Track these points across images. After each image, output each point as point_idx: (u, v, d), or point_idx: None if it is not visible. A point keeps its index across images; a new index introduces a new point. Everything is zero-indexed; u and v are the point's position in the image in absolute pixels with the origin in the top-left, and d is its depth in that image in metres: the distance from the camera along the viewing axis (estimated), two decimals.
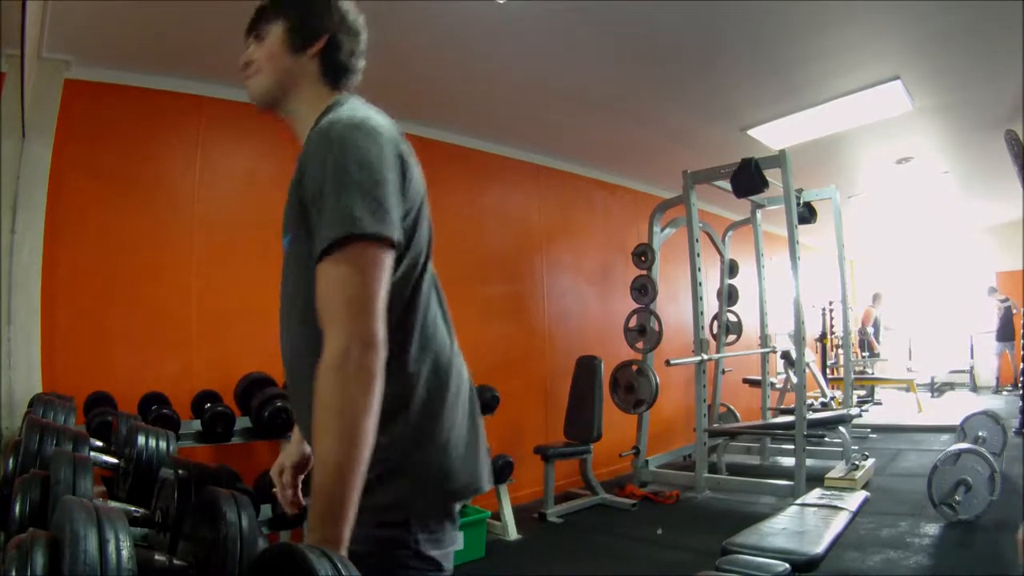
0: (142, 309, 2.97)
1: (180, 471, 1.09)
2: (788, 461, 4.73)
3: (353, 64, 1.13)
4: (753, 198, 4.92)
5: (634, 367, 4.44)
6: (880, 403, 7.93)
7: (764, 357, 5.49)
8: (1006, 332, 8.30)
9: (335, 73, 1.10)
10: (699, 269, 4.41)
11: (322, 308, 0.89)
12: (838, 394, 6.01)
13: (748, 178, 4.14)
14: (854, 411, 4.88)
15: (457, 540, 1.09)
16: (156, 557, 0.82)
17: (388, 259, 0.90)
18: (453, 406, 1.05)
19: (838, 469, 4.22)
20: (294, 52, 1.08)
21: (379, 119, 1.00)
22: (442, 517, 1.04)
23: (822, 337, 7.47)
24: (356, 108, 1.03)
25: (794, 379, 4.68)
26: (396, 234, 0.91)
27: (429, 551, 1.02)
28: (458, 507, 1.09)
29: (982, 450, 3.35)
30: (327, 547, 0.82)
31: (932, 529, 3.24)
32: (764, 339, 5.40)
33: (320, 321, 0.88)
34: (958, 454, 3.31)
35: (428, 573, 1.02)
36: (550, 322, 4.78)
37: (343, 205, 0.87)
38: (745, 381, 6.14)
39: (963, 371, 9.06)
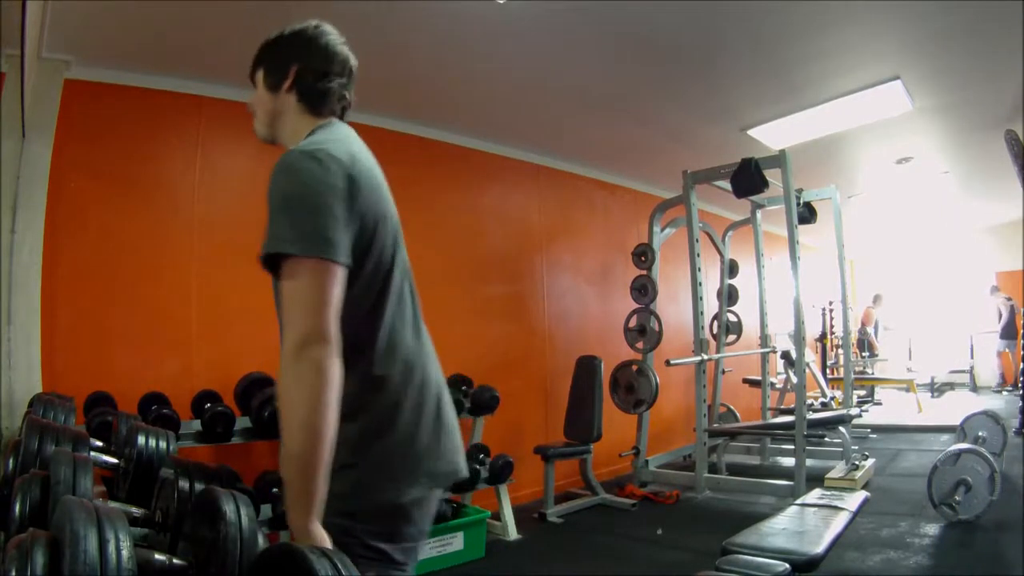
0: (142, 309, 2.97)
1: (180, 471, 1.09)
2: (788, 461, 4.73)
3: (327, 85, 1.19)
4: (753, 198, 4.92)
5: (634, 367, 4.44)
6: (880, 403, 7.93)
7: (764, 357, 5.49)
8: (1010, 330, 8.31)
9: (310, 99, 1.18)
10: (699, 269, 4.41)
11: (281, 319, 0.99)
12: (838, 394, 6.01)
13: (748, 178, 4.14)
14: (854, 411, 4.87)
15: (418, 537, 1.13)
16: (156, 557, 0.82)
17: (335, 271, 0.99)
18: (415, 409, 1.11)
19: (838, 469, 4.22)
20: (274, 91, 1.19)
21: (336, 146, 1.07)
22: (393, 513, 1.08)
23: (822, 337, 7.47)
24: (323, 136, 1.12)
25: (794, 379, 4.68)
26: (331, 253, 0.98)
27: (378, 543, 1.07)
28: (422, 506, 1.12)
29: (982, 450, 3.35)
30: (298, 535, 0.92)
31: (932, 529, 3.24)
32: (764, 339, 5.40)
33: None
34: (958, 454, 3.31)
35: (378, 564, 1.07)
36: (550, 322, 4.78)
37: (278, 228, 0.98)
38: (745, 381, 6.14)
39: (963, 371, 9.06)
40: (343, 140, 1.12)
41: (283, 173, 1.02)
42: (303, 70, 1.18)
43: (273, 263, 1.00)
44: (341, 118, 1.24)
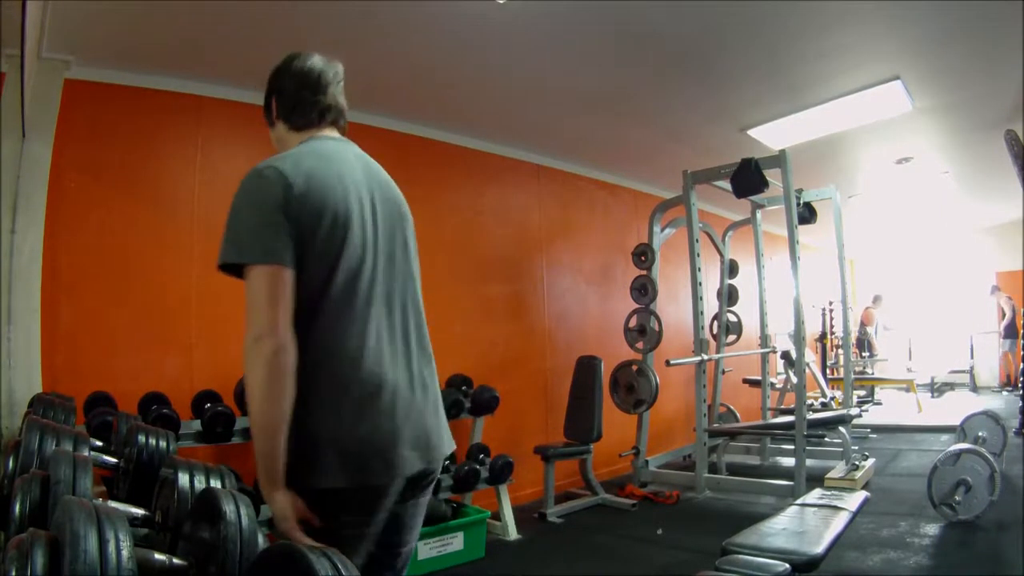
0: (142, 309, 2.96)
1: (180, 471, 1.09)
2: (788, 461, 4.73)
3: (303, 97, 1.33)
4: (753, 198, 4.92)
5: (634, 367, 4.44)
6: (880, 403, 7.93)
7: (764, 357, 5.49)
8: (1014, 330, 8.31)
9: (289, 118, 1.35)
10: (699, 269, 4.41)
11: None
12: (838, 394, 6.00)
13: (748, 178, 4.14)
14: (854, 411, 4.87)
15: (354, 528, 1.17)
16: (156, 557, 0.82)
17: (279, 273, 1.12)
18: (346, 406, 1.16)
19: (838, 469, 4.22)
20: (272, 127, 1.39)
21: (287, 159, 1.20)
22: (316, 500, 1.13)
23: (822, 337, 7.46)
24: (291, 151, 1.25)
25: (794, 379, 4.68)
26: (272, 258, 1.11)
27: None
28: (352, 500, 1.16)
29: (982, 450, 3.35)
30: (267, 501, 1.10)
31: (932, 529, 3.24)
32: (764, 339, 5.40)
33: None
34: (958, 454, 3.31)
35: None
36: (550, 322, 4.78)
37: (227, 238, 1.15)
38: (745, 381, 6.14)
39: (963, 371, 9.06)
40: (300, 154, 1.24)
41: (238, 189, 1.19)
42: (279, 98, 1.36)
43: (230, 270, 1.15)
44: (322, 122, 1.35)
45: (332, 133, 1.36)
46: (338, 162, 1.26)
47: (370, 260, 1.23)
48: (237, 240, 1.14)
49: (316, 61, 1.34)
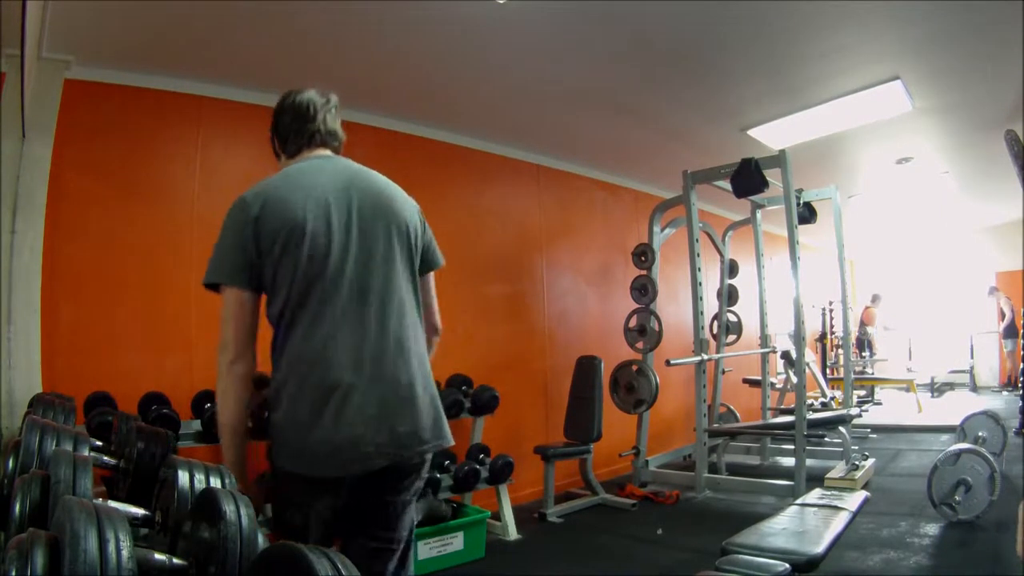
0: (142, 309, 2.96)
1: (180, 471, 1.09)
2: (788, 461, 4.73)
3: (294, 128, 1.44)
4: (753, 198, 4.92)
5: (634, 367, 4.44)
6: (880, 403, 7.93)
7: (764, 357, 5.49)
8: (1013, 330, 8.31)
9: (287, 149, 1.48)
10: (699, 269, 4.41)
11: None
12: (838, 394, 6.01)
13: (748, 178, 4.14)
14: (854, 411, 4.87)
15: (304, 509, 1.29)
16: (156, 557, 0.82)
17: (238, 294, 1.28)
18: (296, 404, 1.28)
19: (838, 469, 4.22)
20: (279, 159, 1.51)
21: (257, 187, 1.33)
22: (287, 483, 1.30)
23: (822, 337, 7.46)
24: (262, 180, 1.36)
25: (794, 379, 4.68)
26: (234, 280, 1.27)
27: (281, 499, 1.35)
28: (299, 487, 1.28)
29: (982, 450, 3.35)
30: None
31: (932, 529, 3.24)
32: (764, 339, 5.40)
33: None
34: (958, 454, 3.31)
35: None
36: (550, 322, 4.78)
37: (210, 260, 1.31)
38: (745, 381, 6.14)
39: (963, 371, 9.06)
40: (272, 178, 1.36)
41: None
42: (277, 133, 1.48)
43: (213, 288, 1.31)
44: (312, 144, 1.43)
45: (322, 152, 1.43)
46: (306, 175, 1.34)
47: (337, 258, 1.29)
48: (212, 263, 1.31)
49: (308, 95, 1.45)
